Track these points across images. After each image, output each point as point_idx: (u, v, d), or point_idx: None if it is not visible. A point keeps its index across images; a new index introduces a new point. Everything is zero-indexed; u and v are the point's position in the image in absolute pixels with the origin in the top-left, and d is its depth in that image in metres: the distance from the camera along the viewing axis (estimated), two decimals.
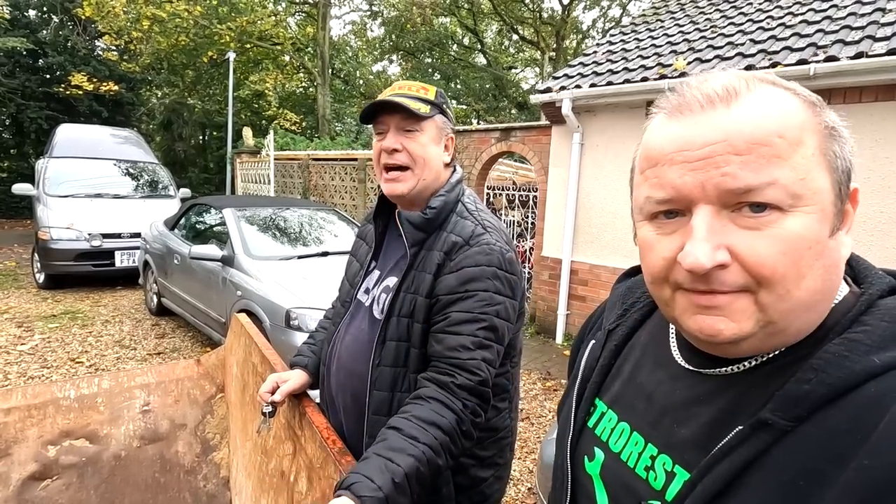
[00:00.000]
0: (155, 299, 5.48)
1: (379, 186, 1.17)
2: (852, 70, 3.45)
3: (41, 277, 6.52)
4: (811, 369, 0.43)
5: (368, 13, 19.35)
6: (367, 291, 1.20)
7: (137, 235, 6.30)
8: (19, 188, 7.02)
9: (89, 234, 6.31)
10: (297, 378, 1.23)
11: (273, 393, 1.17)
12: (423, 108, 1.09)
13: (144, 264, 5.70)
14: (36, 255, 6.56)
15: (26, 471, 1.65)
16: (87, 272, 6.39)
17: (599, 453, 0.60)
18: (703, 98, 0.46)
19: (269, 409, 1.14)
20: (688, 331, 0.49)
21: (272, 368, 1.42)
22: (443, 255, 1.07)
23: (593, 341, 0.69)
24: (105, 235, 6.43)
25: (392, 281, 1.14)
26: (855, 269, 0.53)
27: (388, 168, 1.11)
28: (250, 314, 3.60)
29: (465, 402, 0.96)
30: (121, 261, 6.49)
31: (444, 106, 1.14)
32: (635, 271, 0.74)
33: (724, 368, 0.50)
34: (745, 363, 0.49)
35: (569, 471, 0.62)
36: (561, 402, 0.75)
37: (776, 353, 0.48)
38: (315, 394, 1.29)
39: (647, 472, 0.52)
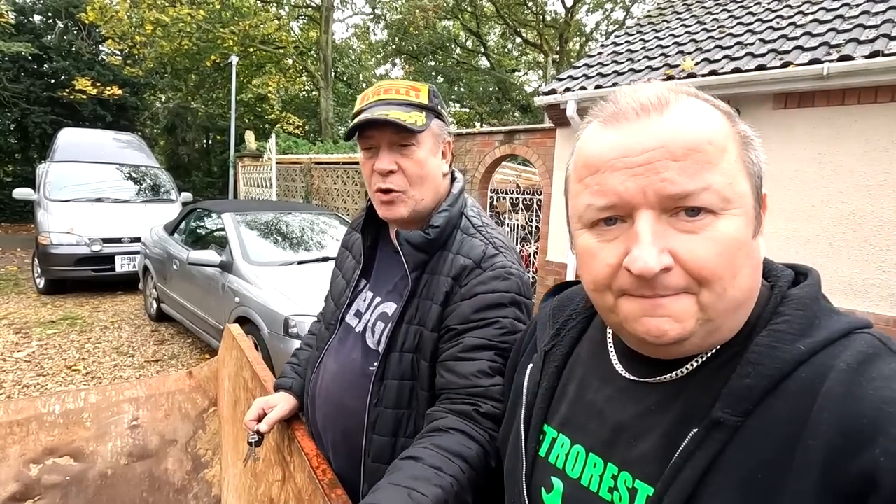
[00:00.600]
0: (154, 305, 5.41)
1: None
2: (868, 69, 3.34)
3: (41, 282, 6.47)
4: (748, 363, 0.45)
5: (371, 16, 19.36)
6: (357, 315, 1.06)
7: (138, 240, 6.23)
8: (20, 193, 6.98)
9: (90, 239, 6.26)
10: (283, 404, 1.11)
11: (259, 420, 1.07)
12: (419, 119, 0.93)
13: (144, 269, 5.64)
14: (36, 259, 6.52)
15: (6, 491, 1.57)
16: (88, 277, 6.33)
17: (557, 483, 0.57)
18: (638, 106, 0.48)
19: (255, 438, 1.05)
20: (633, 335, 0.49)
21: (262, 386, 1.33)
22: (451, 280, 0.92)
23: (531, 365, 0.67)
24: (105, 240, 6.38)
25: (390, 308, 1.00)
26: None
27: (384, 190, 0.96)
28: (249, 322, 3.52)
29: (491, 434, 0.80)
30: (121, 266, 6.44)
31: (439, 106, 0.99)
32: (559, 289, 0.74)
33: (668, 375, 0.51)
34: (687, 367, 0.50)
35: None
36: (503, 432, 0.71)
37: (713, 352, 0.49)
38: None
39: (612, 494, 0.51)
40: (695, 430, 0.45)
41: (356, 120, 0.93)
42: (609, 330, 0.61)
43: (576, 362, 0.63)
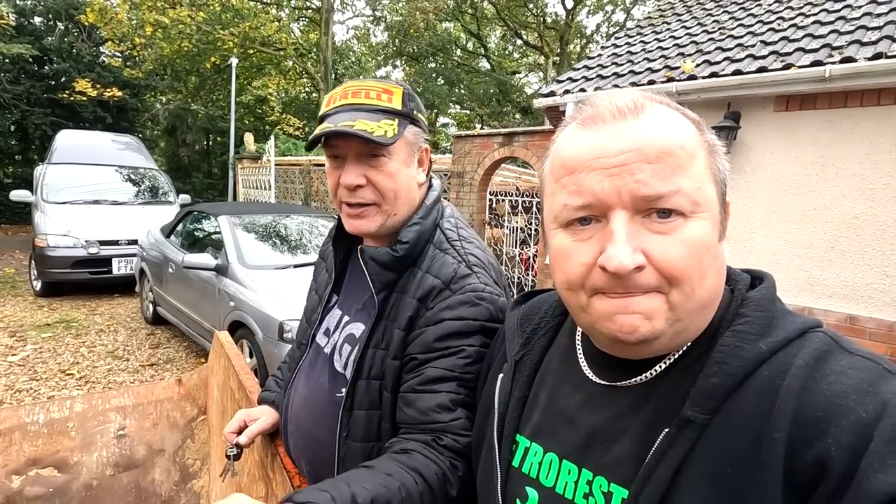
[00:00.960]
0: (150, 308, 5.37)
1: None
2: (871, 71, 3.30)
3: (38, 285, 6.44)
4: (714, 363, 0.47)
5: (371, 18, 19.36)
6: (327, 334, 0.98)
7: (135, 242, 6.20)
8: (17, 195, 6.96)
9: (86, 241, 6.23)
10: (266, 417, 1.07)
11: (240, 432, 1.03)
12: (389, 129, 0.83)
13: (140, 272, 5.61)
14: (33, 262, 6.49)
15: None
16: (84, 280, 6.30)
17: (532, 493, 0.57)
18: (615, 110, 0.49)
19: (234, 451, 1.01)
20: (605, 333, 0.50)
21: (248, 398, 1.29)
22: (417, 303, 0.84)
23: (501, 375, 0.66)
24: (102, 242, 6.34)
25: (358, 329, 0.92)
26: None
27: (351, 204, 0.88)
28: (243, 326, 3.48)
29: (452, 463, 0.74)
30: (118, 268, 6.40)
31: (415, 111, 0.90)
32: (526, 298, 0.75)
33: (638, 378, 0.52)
34: (656, 368, 0.51)
35: None
36: (474, 444, 0.70)
37: (679, 353, 0.51)
38: None
39: (587, 499, 0.51)
40: (666, 430, 0.47)
41: (318, 129, 0.84)
42: (578, 336, 0.62)
43: (546, 370, 0.63)
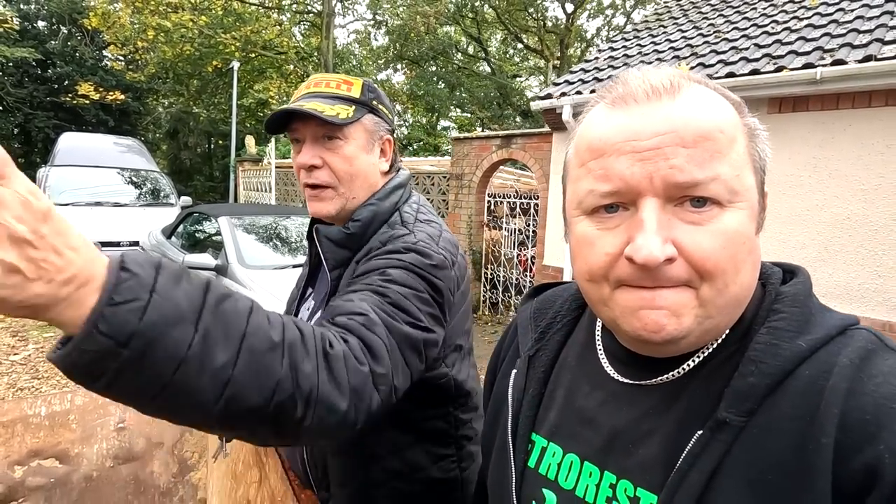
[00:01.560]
0: None
1: None
2: (861, 74, 3.35)
3: None
4: (750, 361, 0.43)
5: (372, 22, 19.47)
6: None
7: (137, 243, 6.26)
8: None
9: None
10: None
11: None
12: (343, 112, 0.87)
13: None
14: None
15: None
16: None
17: (550, 495, 0.53)
18: (649, 88, 0.45)
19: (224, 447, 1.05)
20: (629, 329, 0.46)
21: None
22: (355, 264, 0.86)
23: (514, 371, 0.63)
24: (104, 244, 6.39)
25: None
26: None
27: (311, 185, 0.90)
28: None
29: (345, 339, 0.63)
30: None
31: (375, 101, 0.93)
32: (538, 290, 0.71)
33: (665, 376, 0.49)
34: (684, 367, 0.48)
35: None
36: (485, 442, 0.67)
37: (709, 351, 0.48)
38: None
39: None
40: (699, 433, 0.43)
41: (275, 112, 0.89)
42: (598, 332, 0.59)
43: (563, 366, 0.60)
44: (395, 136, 1.00)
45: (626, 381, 0.52)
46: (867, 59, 3.37)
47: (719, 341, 0.48)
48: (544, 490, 0.54)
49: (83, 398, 1.82)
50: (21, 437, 1.67)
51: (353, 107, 0.89)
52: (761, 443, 0.41)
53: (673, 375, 0.48)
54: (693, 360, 0.48)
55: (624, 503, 0.47)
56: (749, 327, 0.47)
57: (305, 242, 4.51)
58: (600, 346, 0.57)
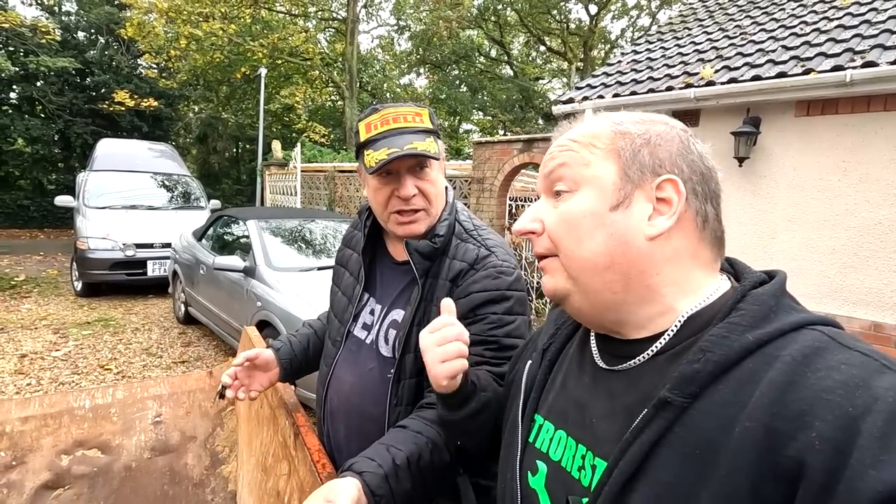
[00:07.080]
0: (182, 308, 5.62)
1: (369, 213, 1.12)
2: (893, 76, 3.26)
3: (79, 286, 6.79)
4: (699, 350, 0.49)
5: (396, 28, 19.69)
6: (366, 328, 1.12)
7: (169, 245, 6.49)
8: (61, 200, 7.37)
9: (124, 244, 6.55)
10: (263, 356, 1.20)
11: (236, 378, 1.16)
12: (431, 146, 0.99)
13: (173, 274, 5.87)
14: (74, 263, 6.85)
15: (39, 479, 1.68)
16: (121, 281, 6.62)
17: (542, 466, 0.62)
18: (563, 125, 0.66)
19: (222, 391, 1.17)
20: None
21: (274, 388, 1.40)
22: (449, 283, 1.01)
23: (530, 361, 0.73)
24: (138, 245, 6.66)
25: (399, 315, 1.07)
26: (736, 269, 0.60)
27: (407, 212, 1.03)
28: (270, 326, 3.63)
29: None
30: (152, 270, 6.70)
31: (437, 125, 1.08)
32: None
33: (629, 362, 0.57)
34: (645, 355, 0.56)
35: (517, 491, 0.64)
36: (504, 421, 0.76)
37: (667, 340, 0.55)
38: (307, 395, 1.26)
39: (580, 472, 0.56)
40: (645, 410, 0.50)
41: (384, 153, 0.97)
42: None
43: (566, 356, 0.69)
44: None
45: (604, 366, 0.60)
46: None
47: (675, 330, 0.55)
48: (538, 461, 0.63)
49: (123, 392, 1.93)
50: (67, 428, 1.78)
51: (432, 136, 1.03)
52: (699, 423, 0.46)
53: (636, 362, 0.56)
54: (652, 350, 0.55)
55: (588, 471, 0.56)
56: (709, 322, 0.52)
57: (330, 246, 4.59)
58: (593, 336, 0.65)
